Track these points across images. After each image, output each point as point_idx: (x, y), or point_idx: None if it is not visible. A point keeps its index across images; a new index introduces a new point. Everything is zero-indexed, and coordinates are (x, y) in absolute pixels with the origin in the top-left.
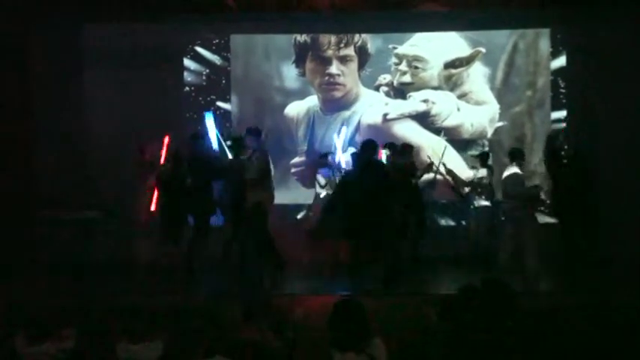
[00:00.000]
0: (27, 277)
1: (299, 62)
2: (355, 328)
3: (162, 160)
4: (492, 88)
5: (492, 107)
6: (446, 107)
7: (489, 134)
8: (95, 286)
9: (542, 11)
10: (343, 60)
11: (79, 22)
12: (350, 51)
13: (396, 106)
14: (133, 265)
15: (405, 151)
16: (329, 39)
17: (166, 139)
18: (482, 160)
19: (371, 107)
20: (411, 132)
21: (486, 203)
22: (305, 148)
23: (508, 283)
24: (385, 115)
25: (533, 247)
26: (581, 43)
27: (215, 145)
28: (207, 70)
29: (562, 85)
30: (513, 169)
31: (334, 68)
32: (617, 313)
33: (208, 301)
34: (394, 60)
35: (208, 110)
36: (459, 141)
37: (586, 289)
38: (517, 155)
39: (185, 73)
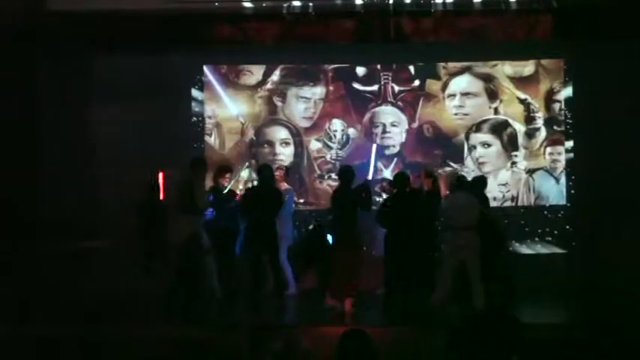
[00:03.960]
0: None
1: None
2: (362, 359)
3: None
4: None
5: None
6: None
7: None
8: None
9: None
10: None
11: (88, 53)
12: None
13: None
14: None
15: None
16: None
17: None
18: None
19: None
20: None
21: None
22: None
23: (514, 315)
24: None
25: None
26: (588, 74)
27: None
28: None
29: (569, 116)
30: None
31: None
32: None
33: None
34: None
35: None
36: None
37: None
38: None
39: (192, 103)
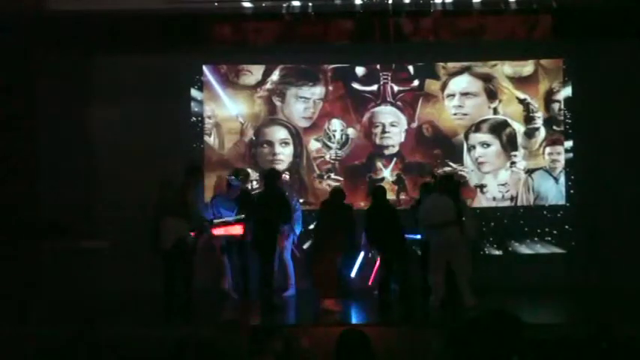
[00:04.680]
0: None
1: None
2: (360, 358)
3: None
4: None
5: None
6: None
7: None
8: None
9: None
10: None
11: (88, 53)
12: None
13: None
14: None
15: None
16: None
17: None
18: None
19: None
20: None
21: None
22: None
23: (515, 315)
24: None
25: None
26: (587, 74)
27: None
28: None
29: (568, 116)
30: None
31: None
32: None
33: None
34: None
35: None
36: None
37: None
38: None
39: (192, 103)
